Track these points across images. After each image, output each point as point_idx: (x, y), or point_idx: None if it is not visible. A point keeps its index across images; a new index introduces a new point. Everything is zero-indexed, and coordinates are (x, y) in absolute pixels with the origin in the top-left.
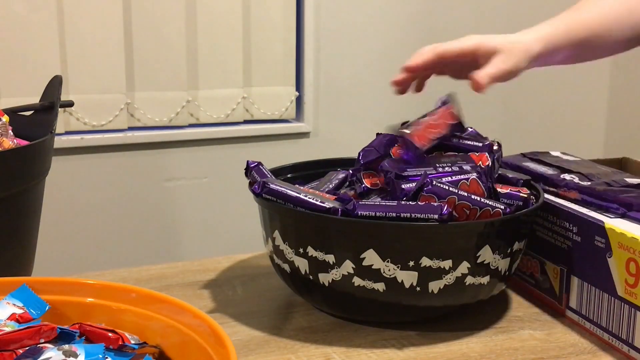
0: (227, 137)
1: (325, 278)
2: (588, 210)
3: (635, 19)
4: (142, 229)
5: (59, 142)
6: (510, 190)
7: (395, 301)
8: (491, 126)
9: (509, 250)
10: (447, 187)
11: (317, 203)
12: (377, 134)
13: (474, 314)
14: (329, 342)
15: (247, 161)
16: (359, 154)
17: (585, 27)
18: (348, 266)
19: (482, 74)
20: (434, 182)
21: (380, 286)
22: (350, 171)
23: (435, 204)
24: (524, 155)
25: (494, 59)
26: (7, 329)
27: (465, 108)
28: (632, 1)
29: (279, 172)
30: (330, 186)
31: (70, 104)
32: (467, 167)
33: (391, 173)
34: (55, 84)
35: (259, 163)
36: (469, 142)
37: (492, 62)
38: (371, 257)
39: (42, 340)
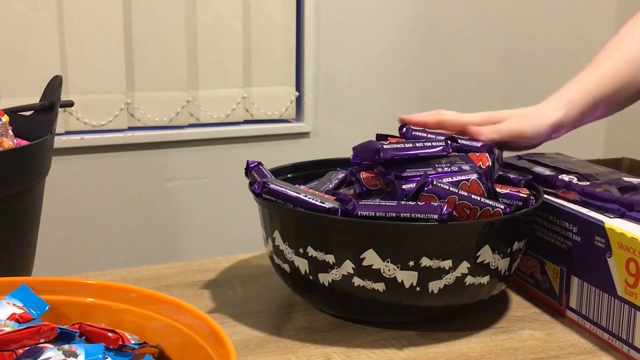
0: (227, 137)
1: (325, 278)
2: (588, 210)
3: None
4: (142, 229)
5: (59, 142)
6: (510, 190)
7: (395, 301)
8: None
9: (508, 250)
10: (447, 187)
11: (317, 203)
12: (377, 135)
13: (474, 314)
14: (329, 342)
15: (247, 161)
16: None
17: (608, 81)
18: (348, 266)
19: (485, 129)
20: (435, 182)
21: (380, 286)
22: (349, 171)
23: (436, 204)
24: (519, 157)
25: (505, 121)
26: (7, 329)
27: (465, 108)
28: None
29: (279, 172)
30: (330, 186)
31: (70, 104)
32: (466, 168)
33: (390, 174)
34: (55, 84)
35: (259, 163)
36: (468, 143)
37: (503, 123)
38: (371, 257)
39: (42, 340)
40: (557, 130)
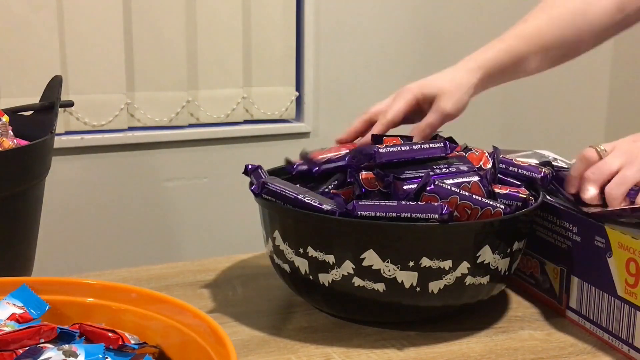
0: (227, 137)
1: (325, 278)
2: (588, 210)
3: (581, 22)
4: (142, 229)
5: (59, 142)
6: (510, 190)
7: (395, 301)
8: (491, 126)
9: (508, 250)
10: (449, 187)
11: (315, 204)
12: (373, 136)
13: (474, 314)
14: (329, 342)
15: (246, 165)
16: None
17: (530, 40)
18: (348, 266)
19: (424, 125)
20: (437, 182)
21: (380, 286)
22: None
23: (436, 203)
24: None
25: (435, 104)
26: (7, 329)
27: (465, 108)
28: (577, 5)
29: (279, 172)
30: (330, 186)
31: (70, 104)
32: (464, 169)
33: (389, 176)
34: (55, 84)
35: (259, 166)
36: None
37: (434, 108)
38: (371, 258)
39: (42, 340)
40: (474, 94)
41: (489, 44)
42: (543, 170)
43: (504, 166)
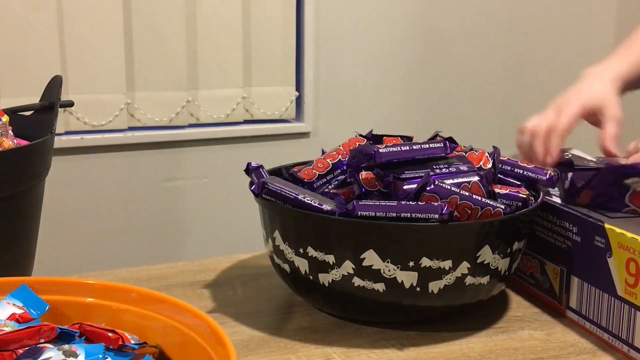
0: (227, 137)
1: (325, 278)
2: (588, 210)
3: None
4: (142, 229)
5: (59, 142)
6: (510, 190)
7: (395, 301)
8: (491, 126)
9: (508, 250)
10: (449, 187)
11: (315, 205)
12: (373, 135)
13: (474, 314)
14: (329, 342)
15: (249, 163)
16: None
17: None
18: (348, 266)
19: (611, 136)
20: (437, 182)
21: (380, 286)
22: (348, 172)
23: (436, 203)
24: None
25: (607, 114)
26: (7, 329)
27: (465, 108)
28: None
29: (279, 172)
30: (330, 186)
31: (70, 104)
32: (464, 169)
33: (389, 176)
34: (55, 84)
35: (260, 166)
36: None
37: (609, 118)
38: (371, 258)
39: (42, 340)
40: None
41: (617, 56)
42: (548, 172)
43: (509, 167)
